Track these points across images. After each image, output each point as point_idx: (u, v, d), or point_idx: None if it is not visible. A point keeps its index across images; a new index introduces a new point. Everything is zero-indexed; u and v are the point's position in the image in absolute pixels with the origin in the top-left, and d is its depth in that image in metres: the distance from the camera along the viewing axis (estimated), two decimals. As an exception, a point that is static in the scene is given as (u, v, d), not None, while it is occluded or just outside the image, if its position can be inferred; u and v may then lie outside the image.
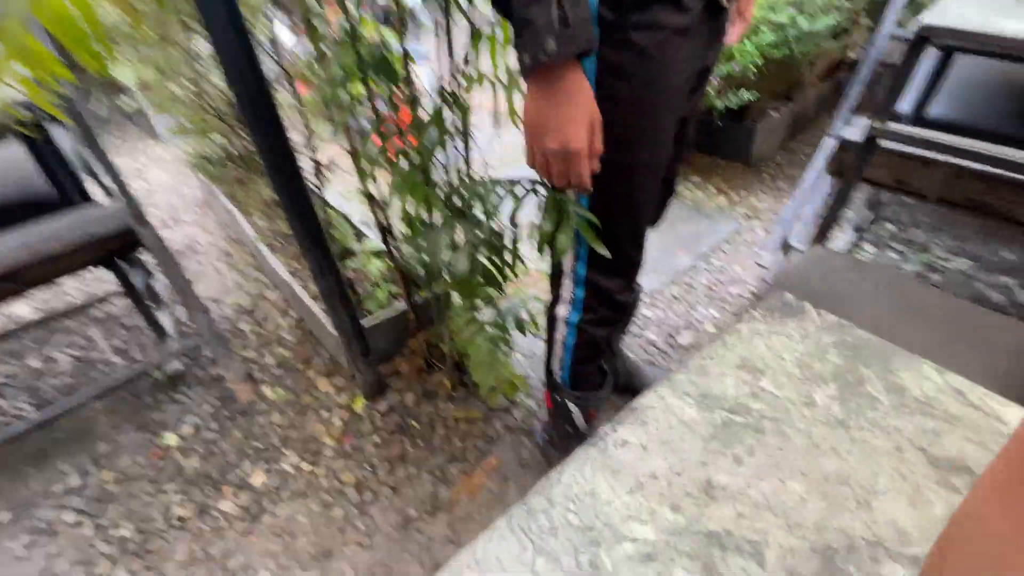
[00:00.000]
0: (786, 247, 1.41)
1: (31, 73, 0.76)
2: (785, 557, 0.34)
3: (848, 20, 2.21)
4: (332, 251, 1.10)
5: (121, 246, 1.19)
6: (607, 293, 0.90)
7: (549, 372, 1.11)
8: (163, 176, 2.70)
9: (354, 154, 1.04)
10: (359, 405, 1.41)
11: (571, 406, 1.07)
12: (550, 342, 1.03)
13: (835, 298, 0.86)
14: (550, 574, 0.34)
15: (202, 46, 1.47)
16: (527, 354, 1.55)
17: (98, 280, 1.97)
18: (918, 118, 1.54)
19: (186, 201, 2.46)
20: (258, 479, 1.25)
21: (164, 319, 1.57)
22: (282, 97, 1.71)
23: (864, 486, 0.38)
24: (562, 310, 0.95)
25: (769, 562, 0.34)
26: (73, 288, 1.93)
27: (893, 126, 0.96)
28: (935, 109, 1.53)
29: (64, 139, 1.36)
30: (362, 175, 0.89)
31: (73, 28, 0.78)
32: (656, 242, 1.95)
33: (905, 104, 1.56)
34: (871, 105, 2.36)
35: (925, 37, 0.90)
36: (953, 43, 1.02)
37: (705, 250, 1.93)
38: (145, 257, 1.82)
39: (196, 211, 2.38)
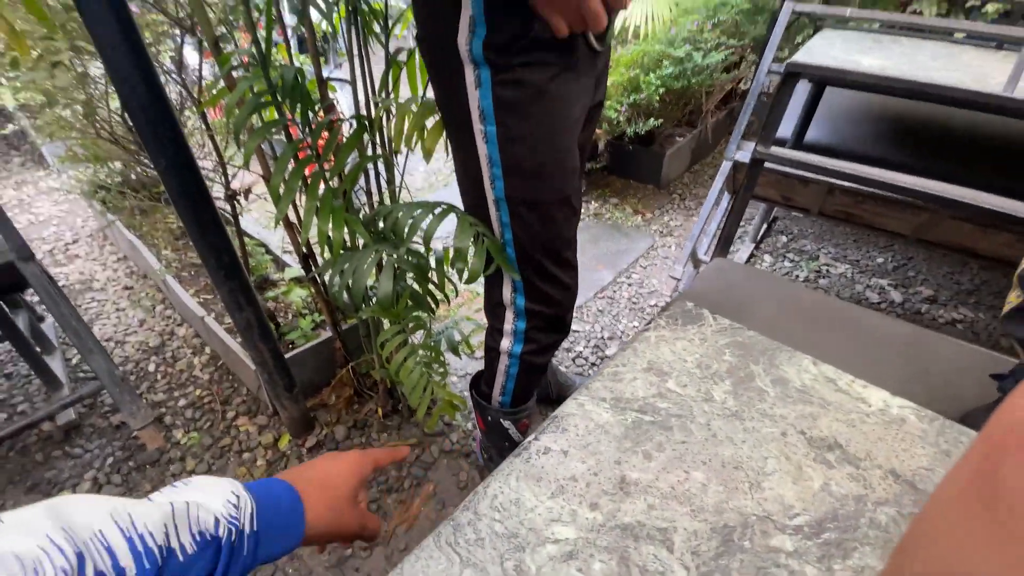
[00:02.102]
0: (695, 259, 1.54)
1: None
2: (690, 540, 0.37)
3: (737, 56, 2.48)
4: (250, 284, 1.05)
5: (2, 285, 1.07)
6: (550, 319, 0.92)
7: (481, 394, 1.12)
8: (52, 208, 2.44)
9: (267, 179, 1.01)
10: (285, 443, 1.33)
11: (505, 423, 1.09)
12: (491, 371, 1.03)
13: (733, 304, 0.95)
14: (477, 583, 0.35)
15: (93, 68, 1.37)
16: (462, 375, 1.55)
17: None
18: (797, 142, 1.75)
19: (80, 234, 2.23)
20: (170, 534, 1.14)
21: (55, 364, 1.41)
22: (191, 122, 1.63)
23: (755, 469, 0.42)
24: (505, 342, 0.96)
25: (676, 546, 0.37)
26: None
27: (775, 150, 1.09)
28: (812, 134, 1.75)
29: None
30: (276, 199, 0.87)
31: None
32: (579, 260, 2.04)
33: (787, 130, 1.76)
34: (759, 131, 2.63)
35: (794, 73, 1.04)
36: (820, 77, 1.19)
37: (625, 266, 2.04)
38: (31, 297, 1.63)
39: (91, 244, 2.17)
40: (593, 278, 1.96)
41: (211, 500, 0.34)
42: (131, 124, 1.33)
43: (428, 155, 0.93)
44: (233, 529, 0.34)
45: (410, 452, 1.30)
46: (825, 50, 1.52)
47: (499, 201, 0.79)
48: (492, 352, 1.01)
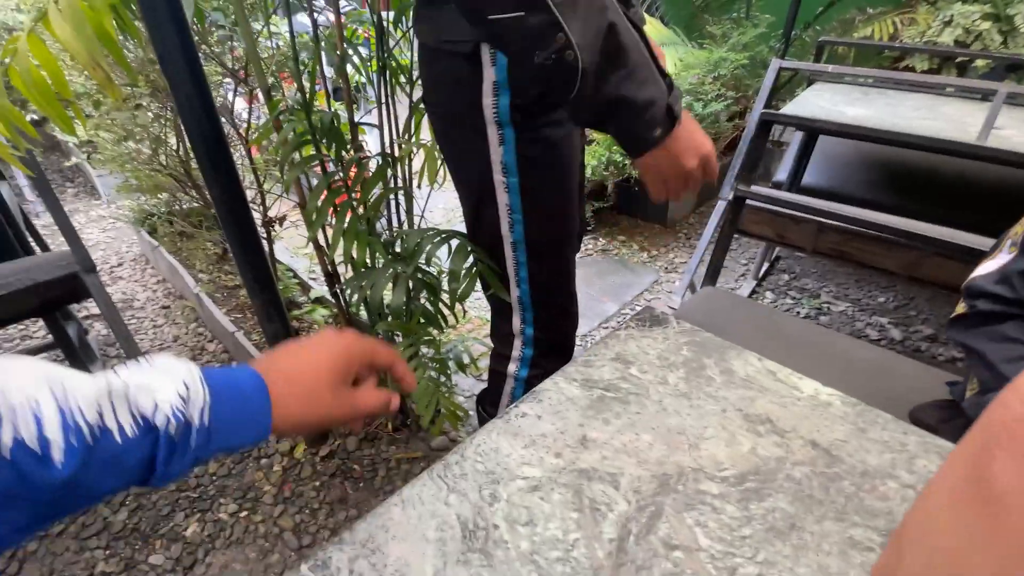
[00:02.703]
0: (693, 290, 1.62)
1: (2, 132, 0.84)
2: (633, 482, 0.46)
3: (741, 106, 2.64)
4: (280, 298, 1.18)
5: (66, 294, 1.21)
6: (555, 347, 0.99)
7: (486, 408, 1.20)
8: (100, 235, 2.66)
9: (303, 206, 1.15)
10: (300, 451, 1.42)
11: None
12: (495, 393, 1.09)
13: (716, 326, 1.03)
14: (459, 503, 0.44)
15: (156, 109, 1.56)
16: (468, 396, 1.63)
17: (19, 337, 1.89)
18: (792, 185, 1.86)
19: (124, 258, 2.43)
20: (192, 529, 1.22)
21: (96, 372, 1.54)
22: (237, 159, 1.81)
23: (695, 435, 0.51)
24: (512, 367, 1.02)
25: (622, 486, 0.45)
26: (-9, 346, 1.84)
27: (755, 188, 1.20)
28: (807, 178, 1.86)
29: (8, 195, 1.38)
30: (309, 223, 1.00)
31: (46, 91, 0.88)
32: (586, 291, 2.14)
33: (783, 174, 1.88)
34: (754, 174, 2.74)
35: (767, 122, 1.16)
36: (794, 126, 1.31)
37: (629, 298, 2.13)
38: (79, 313, 1.78)
39: (134, 267, 2.35)
40: (598, 309, 2.05)
41: (160, 386, 0.32)
42: (185, 158, 1.51)
43: None
44: (176, 421, 0.31)
45: (417, 463, 1.37)
46: (814, 101, 1.64)
47: (517, 243, 0.85)
48: (498, 375, 1.06)
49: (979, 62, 2.37)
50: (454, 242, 0.99)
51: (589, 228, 2.58)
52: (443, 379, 1.21)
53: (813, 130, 1.28)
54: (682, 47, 2.53)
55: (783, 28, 1.88)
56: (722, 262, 1.29)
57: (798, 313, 2.07)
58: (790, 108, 1.47)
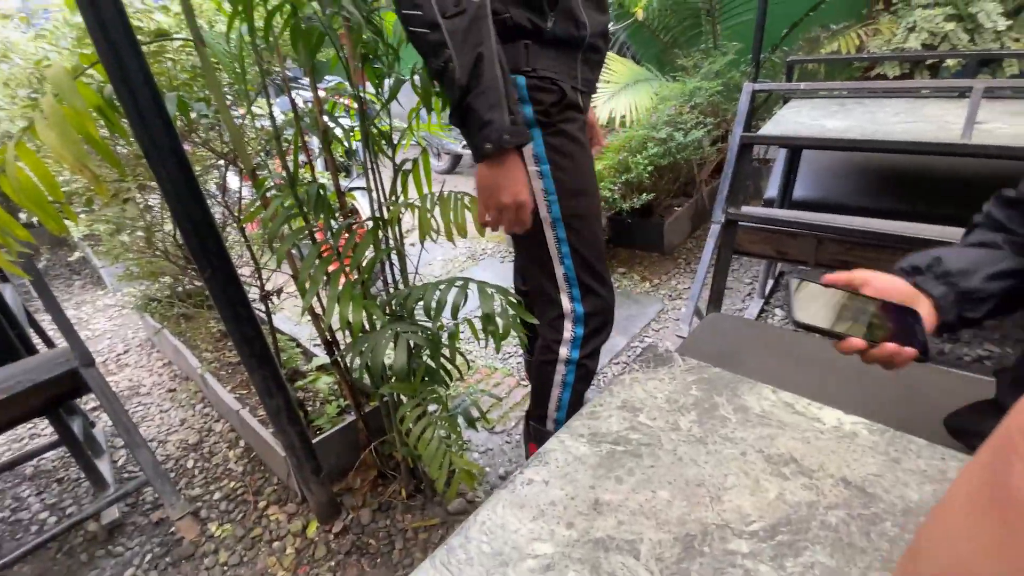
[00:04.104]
0: (699, 316, 1.59)
1: (-5, 238, 0.85)
2: (654, 548, 0.42)
3: (722, 130, 2.68)
4: (280, 372, 1.16)
5: (67, 390, 1.20)
6: (601, 321, 1.09)
7: (535, 420, 1.22)
8: (107, 324, 2.68)
9: (296, 277, 1.15)
10: (312, 529, 1.36)
11: None
12: (544, 390, 1.16)
13: (726, 354, 1.00)
14: (466, 596, 0.40)
15: (152, 199, 1.60)
16: (483, 451, 1.58)
17: (28, 436, 1.86)
18: (784, 200, 1.85)
19: (130, 344, 2.43)
20: (203, 629, 1.15)
21: (103, 467, 1.50)
22: (232, 237, 1.84)
23: (716, 485, 0.47)
24: (563, 351, 1.11)
25: (642, 554, 0.42)
26: (0, 445, 1.82)
27: (746, 209, 1.19)
28: (796, 192, 1.86)
29: (11, 296, 1.40)
30: (303, 293, 0.99)
31: (37, 195, 0.89)
32: (594, 329, 2.11)
33: (773, 190, 1.88)
34: (742, 195, 2.74)
35: (747, 144, 1.16)
36: (777, 144, 1.31)
37: (637, 330, 2.10)
38: (84, 405, 1.77)
39: (140, 353, 2.35)
40: (607, 344, 2.01)
41: None
42: (181, 242, 1.53)
43: (463, 232, 1.08)
44: None
45: (435, 531, 1.31)
46: (792, 118, 1.66)
47: (555, 221, 1.00)
48: (548, 366, 1.13)
49: (950, 62, 2.41)
50: (472, 288, 1.01)
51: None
52: (453, 437, 1.17)
53: (794, 146, 1.28)
54: (656, 81, 2.61)
55: (751, 53, 1.94)
56: (724, 286, 1.27)
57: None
58: (769, 127, 1.48)
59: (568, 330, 1.09)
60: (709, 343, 1.05)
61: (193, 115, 1.12)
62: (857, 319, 0.56)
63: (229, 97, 1.17)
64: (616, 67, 2.64)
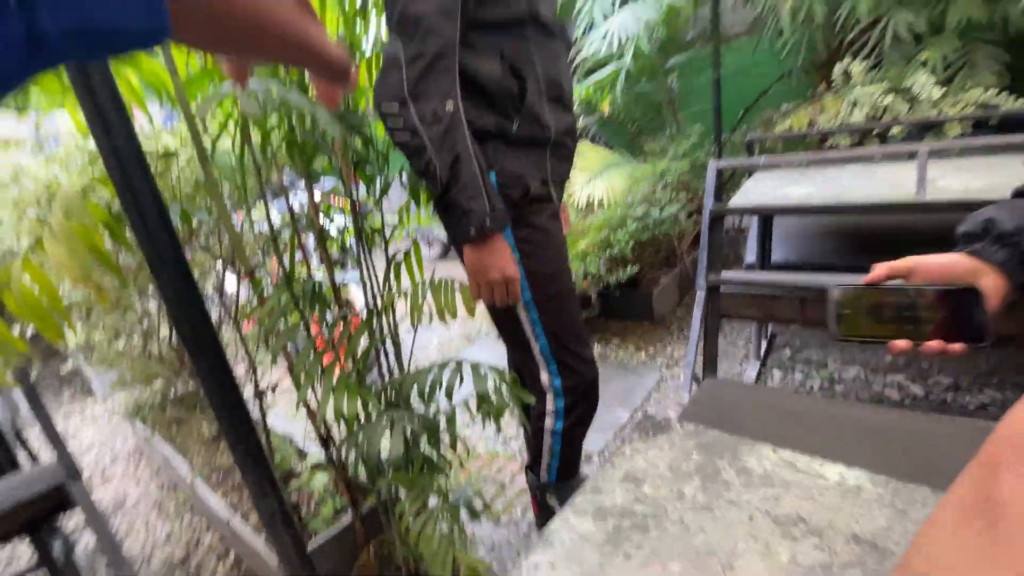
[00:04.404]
0: (697, 381, 1.58)
1: (-7, 352, 0.86)
2: (671, 627, 0.40)
3: (693, 203, 2.84)
4: (274, 472, 1.12)
5: (51, 506, 1.14)
6: (582, 392, 1.13)
7: (532, 470, 1.27)
8: (95, 435, 2.60)
9: (291, 371, 1.15)
10: (309, 650, 1.24)
11: (551, 501, 1.24)
12: (536, 453, 1.22)
13: (726, 419, 0.99)
14: None
15: (151, 306, 1.64)
16: (488, 546, 1.49)
17: (7, 560, 1.73)
18: (763, 264, 1.93)
19: (118, 455, 2.34)
20: None
21: (80, 594, 1.39)
22: (228, 335, 1.85)
23: (727, 552, 0.46)
24: (549, 421, 1.15)
25: (658, 635, 0.40)
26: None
27: (725, 274, 1.24)
28: (774, 256, 1.94)
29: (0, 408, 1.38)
30: (298, 386, 0.99)
31: (38, 308, 0.92)
32: (594, 404, 2.08)
33: (751, 256, 1.96)
34: (722, 262, 2.84)
35: (718, 215, 1.24)
36: (748, 212, 1.40)
37: (638, 402, 2.07)
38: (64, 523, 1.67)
39: (128, 463, 2.26)
40: (609, 419, 1.97)
41: None
42: (178, 344, 1.54)
43: (453, 314, 1.10)
44: None
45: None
46: (759, 188, 1.78)
47: (528, 304, 1.05)
48: (539, 432, 1.18)
49: (894, 130, 2.63)
50: (466, 369, 1.02)
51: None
52: (456, 532, 1.11)
53: (762, 213, 1.37)
54: (629, 165, 2.80)
55: (713, 134, 2.11)
56: (716, 350, 1.29)
57: (811, 388, 2.01)
58: (737, 199, 1.59)
59: (550, 402, 1.13)
60: (707, 409, 1.04)
61: (195, 223, 1.19)
62: (905, 315, 0.51)
63: (229, 204, 1.24)
64: (590, 155, 2.84)
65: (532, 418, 1.22)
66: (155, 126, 1.28)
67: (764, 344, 2.26)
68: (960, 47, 2.42)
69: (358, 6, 1.10)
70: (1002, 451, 0.22)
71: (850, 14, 2.36)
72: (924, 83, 2.49)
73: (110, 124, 0.82)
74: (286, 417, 2.16)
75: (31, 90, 1.35)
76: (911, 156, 1.79)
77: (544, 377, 1.13)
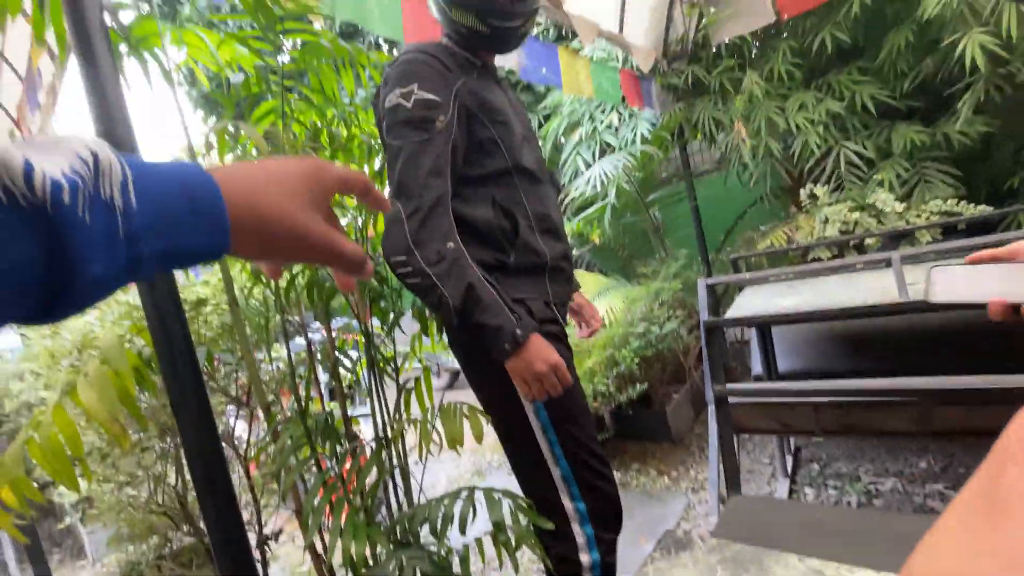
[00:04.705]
0: (724, 502, 1.49)
1: (9, 502, 0.87)
2: None
3: (691, 319, 2.92)
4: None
5: None
6: (607, 515, 1.09)
7: None
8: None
9: (299, 512, 1.11)
10: None
11: None
12: None
13: (756, 538, 0.94)
14: None
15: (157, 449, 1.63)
16: None
17: None
18: (770, 374, 1.93)
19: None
20: None
21: None
22: (234, 480, 1.81)
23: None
24: (584, 558, 1.06)
25: None
26: None
27: (730, 386, 1.26)
28: (780, 365, 1.95)
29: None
30: (305, 527, 0.96)
31: (61, 456, 0.94)
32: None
33: (757, 367, 1.98)
34: (733, 374, 2.85)
35: (712, 328, 1.30)
36: (744, 324, 1.46)
37: (665, 533, 1.91)
38: None
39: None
40: (636, 555, 1.81)
41: (48, 158, 0.23)
42: (183, 491, 1.50)
43: (460, 442, 1.09)
44: (71, 186, 0.23)
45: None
46: (750, 302, 1.86)
47: (545, 426, 1.05)
48: None
49: (869, 241, 2.82)
50: (479, 497, 0.99)
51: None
52: None
53: (756, 324, 1.43)
54: (624, 287, 2.95)
55: (700, 255, 2.28)
56: (735, 466, 1.25)
57: (848, 503, 1.88)
58: (730, 312, 1.66)
59: (579, 534, 1.07)
60: (735, 526, 0.99)
61: (216, 364, 1.25)
62: (1006, 287, 0.52)
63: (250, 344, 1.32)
64: (586, 280, 3.01)
65: (561, 566, 1.11)
66: (190, 277, 1.41)
67: (790, 459, 2.15)
68: (911, 167, 2.70)
69: (376, 169, 1.30)
70: (1011, 446, 0.22)
71: (803, 148, 2.68)
72: (885, 199, 2.73)
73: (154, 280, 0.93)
74: (286, 570, 1.99)
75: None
76: (888, 264, 1.92)
77: (566, 502, 1.08)
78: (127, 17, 0.96)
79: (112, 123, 0.85)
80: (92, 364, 0.94)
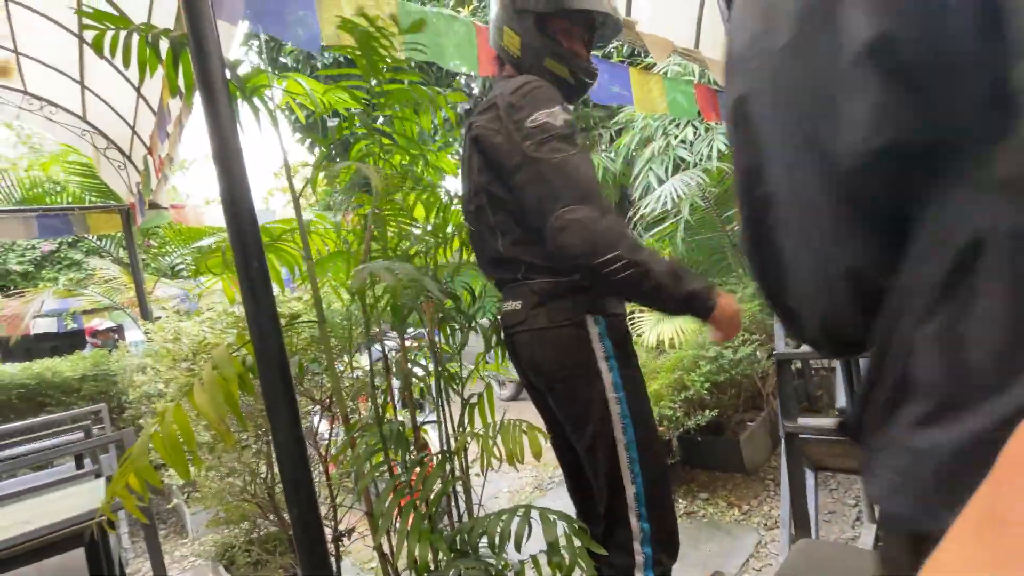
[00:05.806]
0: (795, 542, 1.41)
1: (134, 485, 1.02)
2: None
3: (771, 342, 2.76)
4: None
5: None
6: (668, 540, 1.11)
7: None
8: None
9: (370, 514, 1.20)
10: None
11: None
12: None
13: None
14: None
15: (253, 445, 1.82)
16: None
17: None
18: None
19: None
20: None
21: None
22: (316, 477, 1.97)
23: None
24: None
25: None
26: None
27: (802, 421, 1.19)
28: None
29: (114, 545, 1.52)
30: (375, 529, 1.04)
31: (179, 450, 1.09)
32: (682, 567, 1.85)
33: (842, 400, 1.84)
34: (815, 406, 2.65)
35: (783, 361, 1.24)
36: (815, 357, 1.37)
37: (735, 570, 1.82)
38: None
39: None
40: (699, 590, 1.74)
41: None
42: (271, 484, 1.66)
43: (521, 458, 1.13)
44: None
45: None
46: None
47: (629, 444, 1.09)
48: None
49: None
50: (535, 516, 1.03)
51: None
52: None
53: (825, 356, 1.34)
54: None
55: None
56: (805, 505, 1.18)
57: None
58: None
59: (639, 552, 1.09)
60: (801, 574, 0.94)
61: (305, 370, 1.38)
62: None
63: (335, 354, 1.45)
64: (658, 298, 2.94)
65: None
66: (285, 293, 1.57)
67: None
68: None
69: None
70: (1010, 462, 0.22)
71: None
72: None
73: (259, 296, 1.07)
74: (356, 567, 2.12)
75: (200, 267, 1.75)
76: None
77: (634, 521, 1.11)
78: (242, 68, 1.11)
79: (228, 155, 1.00)
80: (206, 370, 1.09)
